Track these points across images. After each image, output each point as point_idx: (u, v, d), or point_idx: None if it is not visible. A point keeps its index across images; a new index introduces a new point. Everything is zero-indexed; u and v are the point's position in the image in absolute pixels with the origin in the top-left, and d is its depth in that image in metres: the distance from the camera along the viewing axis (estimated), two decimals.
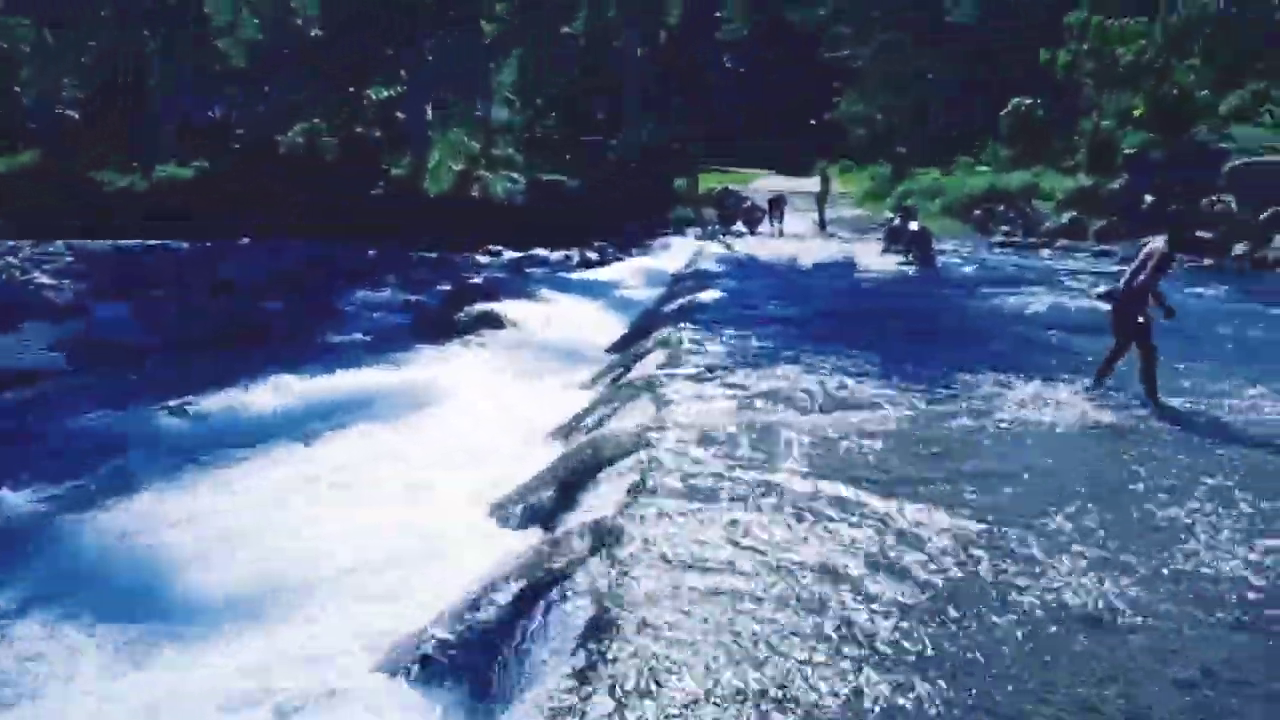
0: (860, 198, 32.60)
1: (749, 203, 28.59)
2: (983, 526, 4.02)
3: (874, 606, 3.17)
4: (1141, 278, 6.71)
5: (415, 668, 3.30)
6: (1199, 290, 14.48)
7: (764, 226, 26.37)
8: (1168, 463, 5.20)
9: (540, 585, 3.34)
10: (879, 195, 31.29)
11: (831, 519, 4.02)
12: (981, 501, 4.38)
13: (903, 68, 34.47)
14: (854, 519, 4.04)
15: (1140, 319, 6.76)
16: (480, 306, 13.58)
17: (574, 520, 4.14)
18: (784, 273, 17.29)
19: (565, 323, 12.92)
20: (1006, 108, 28.66)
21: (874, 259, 17.92)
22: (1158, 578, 3.59)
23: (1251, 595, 3.48)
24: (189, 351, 10.90)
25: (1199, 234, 19.10)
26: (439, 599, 3.71)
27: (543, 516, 4.76)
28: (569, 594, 3.18)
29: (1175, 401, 6.71)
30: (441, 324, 13.02)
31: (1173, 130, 23.32)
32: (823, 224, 26.34)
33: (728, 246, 22.50)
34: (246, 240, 22.48)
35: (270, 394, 8.04)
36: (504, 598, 3.36)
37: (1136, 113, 24.98)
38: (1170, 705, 2.71)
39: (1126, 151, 23.85)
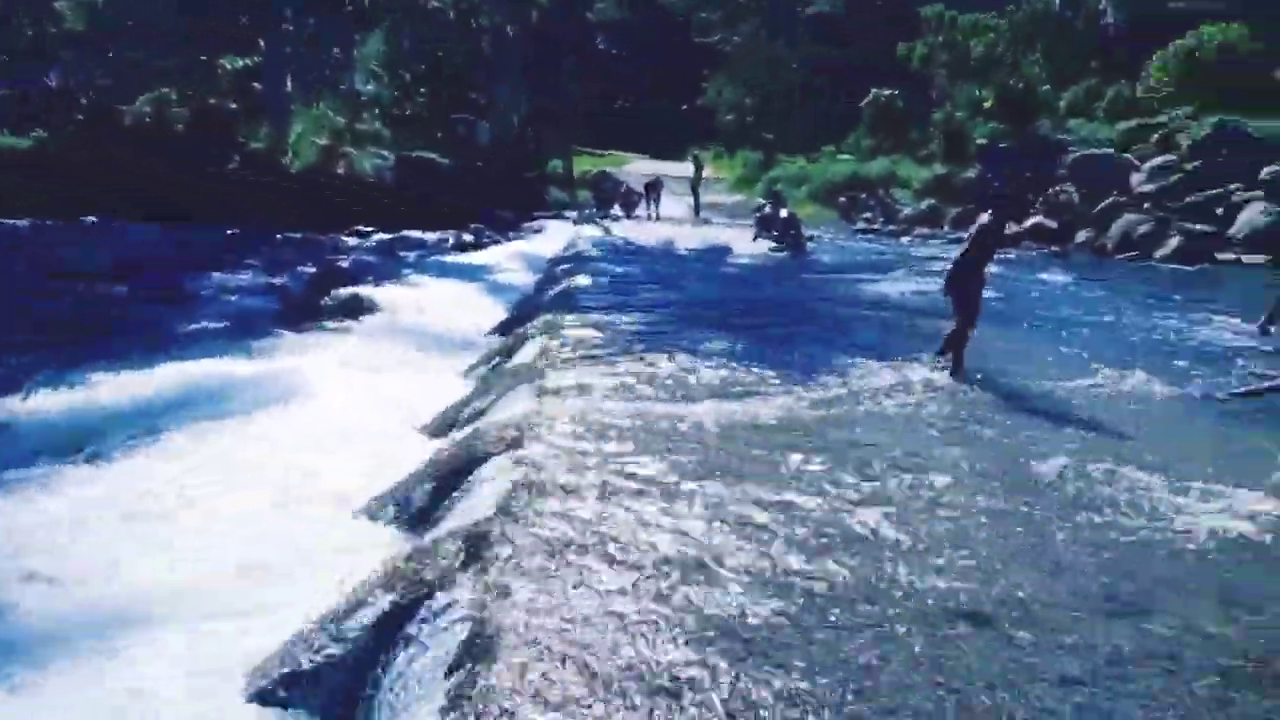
0: (733, 183, 33.19)
1: (625, 186, 28.65)
2: (858, 514, 4.14)
3: (758, 607, 3.19)
4: (966, 248, 7.18)
5: (271, 693, 3.05)
6: (1043, 276, 15.54)
7: (640, 210, 26.48)
8: (1014, 446, 5.52)
9: (411, 600, 3.16)
10: (750, 181, 31.95)
11: (712, 515, 4.03)
12: (856, 488, 4.51)
13: (768, 55, 35.24)
14: (734, 512, 4.07)
15: (966, 291, 7.19)
16: (349, 290, 13.03)
17: (449, 524, 3.98)
18: (661, 257, 17.40)
19: (441, 308, 12.53)
20: (868, 97, 29.76)
21: (747, 244, 18.29)
22: (1040, 566, 3.80)
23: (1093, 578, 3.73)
24: (14, 345, 9.92)
25: (1045, 223, 20.45)
26: (301, 615, 3.46)
27: (416, 519, 4.57)
28: (442, 609, 3.03)
29: (1019, 381, 7.19)
30: (307, 309, 12.42)
31: (1019, 122, 24.85)
32: (697, 209, 26.70)
33: (605, 230, 22.43)
34: (92, 219, 20.70)
35: (106, 390, 7.26)
36: (372, 614, 3.15)
37: (986, 104, 26.46)
38: (1052, 700, 2.83)
39: (978, 142, 25.25)
